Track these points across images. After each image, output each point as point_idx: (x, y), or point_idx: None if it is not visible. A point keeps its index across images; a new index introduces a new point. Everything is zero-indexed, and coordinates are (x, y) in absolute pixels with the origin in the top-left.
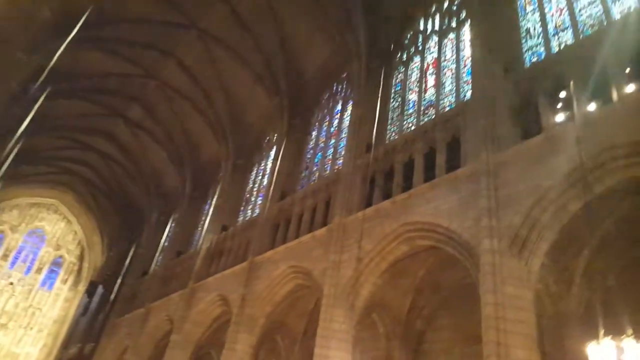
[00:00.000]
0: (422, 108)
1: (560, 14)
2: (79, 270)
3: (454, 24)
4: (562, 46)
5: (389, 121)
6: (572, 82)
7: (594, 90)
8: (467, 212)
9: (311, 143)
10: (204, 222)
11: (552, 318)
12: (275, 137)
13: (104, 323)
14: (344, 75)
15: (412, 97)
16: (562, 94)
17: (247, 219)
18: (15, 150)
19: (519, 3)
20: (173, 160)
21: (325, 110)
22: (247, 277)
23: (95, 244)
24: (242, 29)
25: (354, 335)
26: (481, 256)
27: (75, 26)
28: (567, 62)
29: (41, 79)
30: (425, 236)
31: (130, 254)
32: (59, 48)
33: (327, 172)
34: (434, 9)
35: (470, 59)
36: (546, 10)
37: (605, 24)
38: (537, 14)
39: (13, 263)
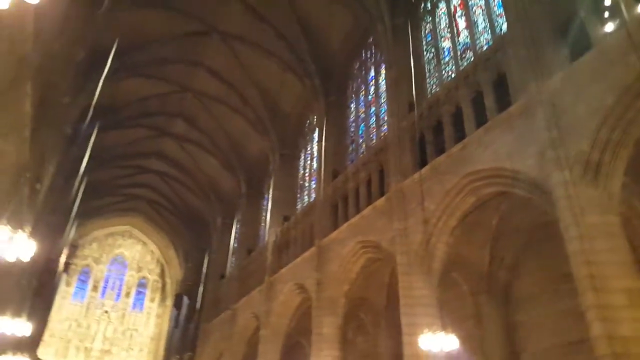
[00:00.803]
0: (459, 53)
1: None
2: (163, 287)
3: None
4: None
5: (427, 75)
6: None
7: None
8: (528, 148)
9: (352, 116)
10: (266, 217)
11: None
12: (315, 120)
13: (196, 331)
14: (370, 40)
15: (446, 44)
16: (607, 2)
17: (305, 205)
18: (82, 188)
19: None
20: (224, 165)
21: (359, 80)
22: (318, 261)
23: (172, 258)
24: (260, 21)
25: (437, 298)
26: (553, 191)
27: (107, 60)
28: None
29: (89, 116)
30: (490, 183)
31: (205, 261)
32: (97, 84)
33: (374, 141)
34: None
35: None
36: None
37: None
38: None
39: (103, 292)
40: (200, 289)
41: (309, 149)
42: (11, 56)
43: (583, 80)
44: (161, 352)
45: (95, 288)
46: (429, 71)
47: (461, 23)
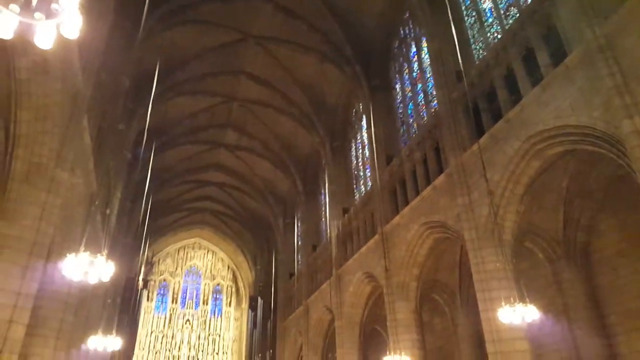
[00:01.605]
0: (502, 11)
1: None
2: (237, 291)
3: None
4: None
5: (471, 40)
6: None
7: None
8: (592, 100)
9: (398, 97)
10: (325, 212)
11: None
12: (361, 107)
13: (274, 329)
14: (406, 15)
15: (486, 4)
16: None
17: (362, 194)
18: (148, 208)
19: None
20: (277, 166)
21: (401, 59)
22: (383, 249)
23: (242, 263)
24: (292, 18)
25: (511, 269)
26: (626, 140)
27: (152, 83)
28: None
29: (144, 139)
30: (555, 143)
31: (273, 262)
32: (147, 107)
33: (425, 119)
34: None
35: None
36: None
37: None
38: None
39: (183, 303)
40: (272, 289)
41: (358, 137)
42: (65, 94)
43: None
44: (244, 352)
45: (174, 300)
46: (473, 37)
47: None
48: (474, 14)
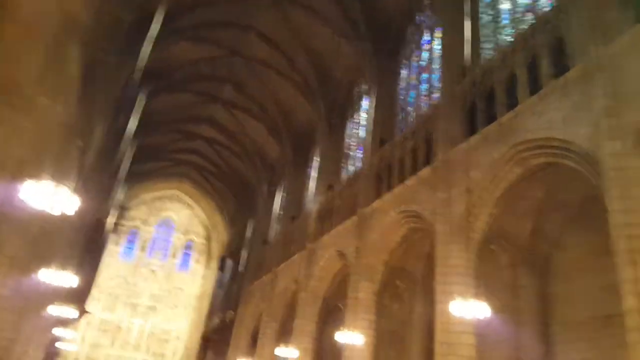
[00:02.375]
0: (518, 15)
1: None
2: (209, 249)
3: None
4: None
5: (482, 39)
6: None
7: None
8: (582, 117)
9: (403, 83)
10: (310, 185)
11: None
12: (365, 87)
13: (238, 292)
14: (427, 2)
15: (505, 5)
16: None
17: (350, 174)
18: (131, 152)
19: None
20: (271, 132)
21: (413, 45)
22: (359, 230)
23: (218, 223)
24: None
25: (474, 268)
26: (603, 161)
27: (156, 23)
28: None
29: (138, 79)
30: (539, 154)
31: (250, 226)
32: (148, 47)
33: (424, 109)
34: None
35: None
36: None
37: None
38: None
39: (151, 253)
40: (244, 253)
41: (356, 117)
42: (60, 16)
43: None
44: (205, 310)
45: (142, 248)
46: (486, 36)
47: None
48: (491, 12)
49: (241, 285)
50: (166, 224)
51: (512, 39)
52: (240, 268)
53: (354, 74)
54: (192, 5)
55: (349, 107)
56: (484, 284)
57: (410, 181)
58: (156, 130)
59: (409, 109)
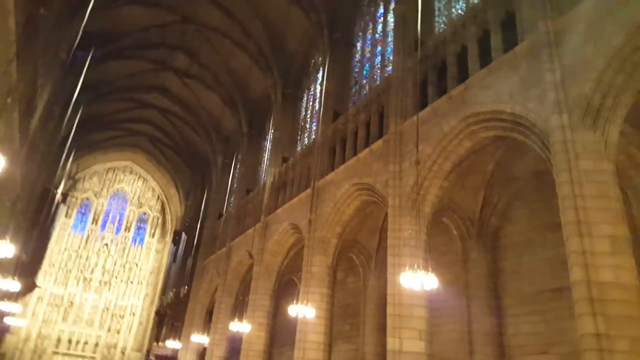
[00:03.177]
0: None
1: None
2: (163, 223)
3: None
4: None
5: (436, 12)
6: None
7: None
8: (530, 91)
9: (357, 55)
10: (266, 158)
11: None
12: (319, 59)
13: (193, 267)
14: None
15: None
16: None
17: (305, 146)
18: (77, 118)
19: None
20: (226, 103)
21: (367, 17)
22: (313, 203)
23: (173, 196)
24: None
25: (425, 241)
26: (551, 134)
27: None
28: None
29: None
30: (488, 127)
31: (205, 199)
32: (95, 8)
33: (378, 82)
34: None
35: None
36: None
37: None
38: None
39: (103, 226)
40: (199, 226)
41: (312, 89)
42: None
43: (594, 19)
44: (160, 285)
45: (95, 221)
46: (439, 9)
47: None
48: None
49: (196, 260)
50: (119, 197)
51: (463, 13)
52: (195, 242)
53: (308, 46)
54: None
55: (304, 79)
56: (436, 257)
57: (363, 154)
58: (106, 98)
59: (364, 81)
